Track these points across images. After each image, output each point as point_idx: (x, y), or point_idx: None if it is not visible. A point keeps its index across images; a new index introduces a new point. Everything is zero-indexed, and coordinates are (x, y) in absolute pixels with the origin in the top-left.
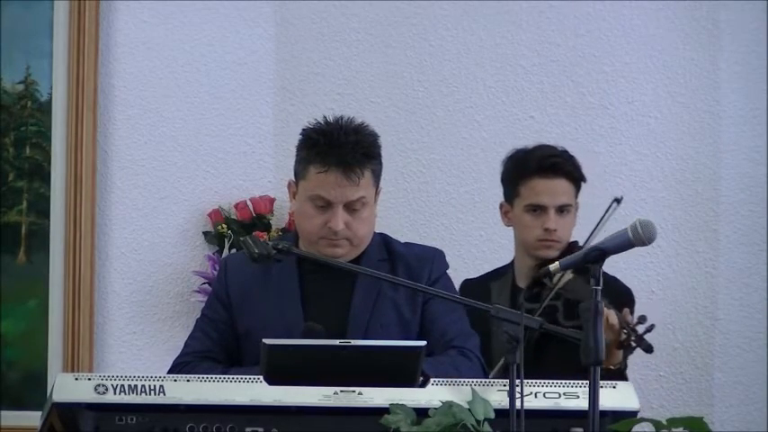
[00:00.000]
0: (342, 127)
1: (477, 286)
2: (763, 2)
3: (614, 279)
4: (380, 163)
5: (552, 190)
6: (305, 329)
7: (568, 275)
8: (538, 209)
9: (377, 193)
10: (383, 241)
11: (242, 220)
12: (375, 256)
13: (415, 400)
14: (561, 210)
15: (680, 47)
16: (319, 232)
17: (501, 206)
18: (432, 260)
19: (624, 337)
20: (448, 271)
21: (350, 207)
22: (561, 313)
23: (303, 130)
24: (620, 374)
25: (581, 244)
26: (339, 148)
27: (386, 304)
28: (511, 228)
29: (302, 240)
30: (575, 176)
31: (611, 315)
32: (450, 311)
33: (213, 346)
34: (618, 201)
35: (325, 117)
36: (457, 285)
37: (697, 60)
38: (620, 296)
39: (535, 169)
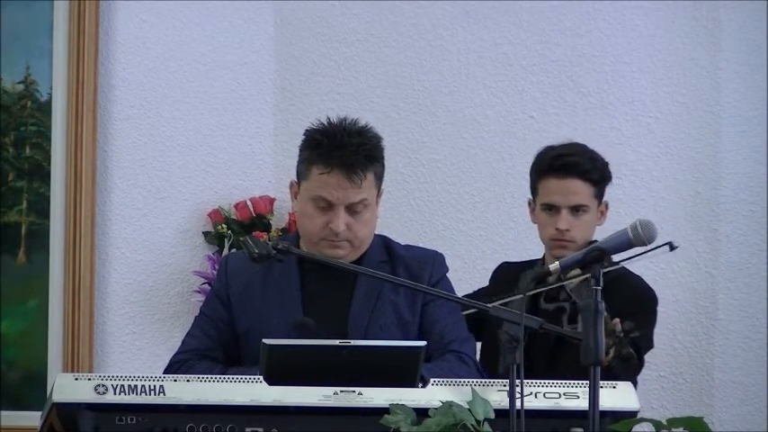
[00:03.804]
0: (345, 128)
1: (511, 272)
2: (763, 2)
3: (636, 277)
4: (383, 166)
5: (564, 190)
6: (296, 324)
7: (578, 279)
8: (552, 208)
9: (379, 196)
10: (383, 243)
11: (242, 220)
12: (375, 258)
13: (415, 400)
14: (576, 210)
15: (680, 47)
16: (320, 233)
17: (529, 203)
18: (432, 263)
19: (611, 344)
20: (447, 273)
21: (351, 209)
22: (567, 315)
23: (306, 130)
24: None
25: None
26: (342, 150)
27: (386, 306)
28: (535, 225)
29: (303, 241)
30: (592, 177)
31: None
32: (448, 314)
33: (212, 345)
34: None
35: (328, 118)
36: (469, 279)
37: (697, 60)
38: (640, 296)
39: (548, 168)
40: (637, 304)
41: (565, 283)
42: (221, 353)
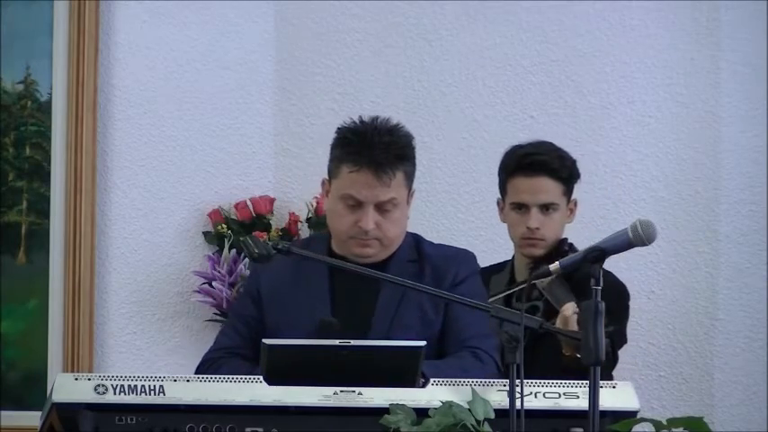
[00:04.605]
0: (376, 127)
1: (481, 276)
2: (763, 2)
3: (607, 273)
4: (414, 165)
5: (534, 188)
6: (320, 324)
7: (549, 276)
8: (522, 207)
9: (410, 195)
10: (415, 242)
11: (242, 220)
12: (405, 257)
13: (415, 400)
14: (546, 208)
15: (680, 47)
16: (349, 231)
17: (498, 202)
18: (459, 261)
19: None
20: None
21: (381, 207)
22: (540, 313)
23: (338, 128)
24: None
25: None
26: (371, 149)
27: (410, 305)
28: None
29: (333, 239)
30: (561, 175)
31: (573, 316)
32: (470, 312)
33: (242, 343)
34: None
35: (360, 117)
36: None
37: (697, 60)
38: (613, 291)
39: (517, 167)
40: (610, 300)
41: (537, 281)
42: (251, 350)
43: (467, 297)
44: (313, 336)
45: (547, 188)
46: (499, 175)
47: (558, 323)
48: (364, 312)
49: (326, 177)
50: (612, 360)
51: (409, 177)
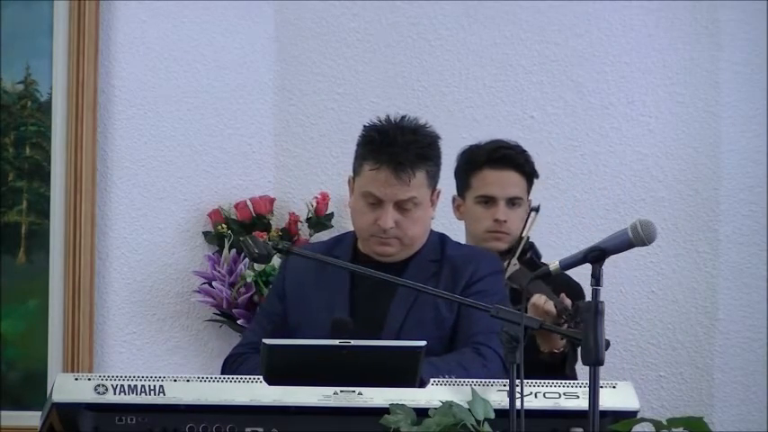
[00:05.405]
0: (400, 126)
1: None
2: (763, 2)
3: (567, 276)
4: (437, 165)
5: (502, 181)
6: (332, 323)
7: (514, 267)
8: (488, 200)
9: (435, 195)
10: (440, 242)
11: (242, 220)
12: (427, 257)
13: (415, 400)
14: (512, 202)
15: (680, 47)
16: (369, 229)
17: (453, 200)
18: (479, 260)
19: (562, 321)
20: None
21: (401, 206)
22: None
23: (364, 126)
24: (564, 357)
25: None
26: (392, 147)
27: (425, 304)
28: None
29: (358, 238)
30: (525, 170)
31: (547, 303)
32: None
33: (267, 338)
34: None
35: (387, 116)
36: None
37: (697, 60)
38: (572, 292)
39: (485, 161)
40: (571, 298)
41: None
42: None
43: (483, 295)
44: (330, 335)
45: (515, 182)
46: (461, 171)
47: (531, 312)
48: (379, 311)
49: (351, 175)
50: (574, 358)
51: (432, 177)
